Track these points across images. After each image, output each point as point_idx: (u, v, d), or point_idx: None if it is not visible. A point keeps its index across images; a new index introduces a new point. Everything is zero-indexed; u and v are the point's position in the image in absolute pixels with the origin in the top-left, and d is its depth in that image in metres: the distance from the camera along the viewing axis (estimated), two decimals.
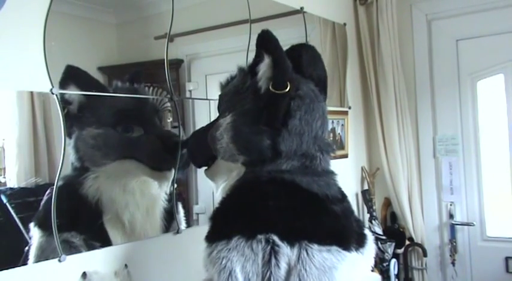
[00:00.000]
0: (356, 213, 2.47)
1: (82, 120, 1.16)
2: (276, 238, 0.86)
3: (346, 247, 0.91)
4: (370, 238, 1.01)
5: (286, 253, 0.86)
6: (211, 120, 1.19)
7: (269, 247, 0.86)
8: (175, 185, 1.40)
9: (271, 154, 0.97)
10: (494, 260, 2.41)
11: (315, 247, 0.87)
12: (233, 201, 0.97)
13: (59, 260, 1.10)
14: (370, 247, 0.99)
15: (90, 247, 1.17)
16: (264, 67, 0.96)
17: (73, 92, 1.15)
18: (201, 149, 1.13)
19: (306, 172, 0.98)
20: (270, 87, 0.95)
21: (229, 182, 1.06)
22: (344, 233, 0.93)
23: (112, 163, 1.21)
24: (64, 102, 1.12)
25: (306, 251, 0.86)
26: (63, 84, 1.12)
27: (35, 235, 1.08)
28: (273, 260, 0.85)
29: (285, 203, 0.92)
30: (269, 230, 0.87)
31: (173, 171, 1.34)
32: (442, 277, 2.51)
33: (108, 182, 1.21)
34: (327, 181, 1.00)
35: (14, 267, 1.03)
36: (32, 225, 1.08)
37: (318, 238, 0.88)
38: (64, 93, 1.12)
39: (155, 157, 1.30)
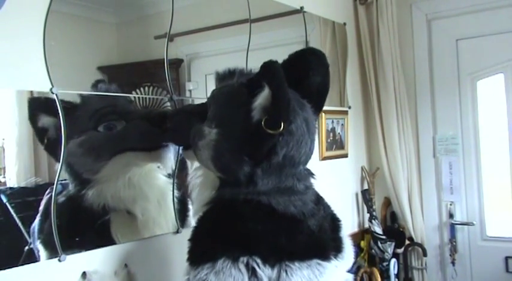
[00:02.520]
0: (356, 213, 2.48)
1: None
2: (259, 261, 0.88)
3: (325, 257, 0.93)
4: (346, 240, 1.03)
5: (268, 274, 0.89)
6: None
7: (250, 271, 0.88)
8: (175, 186, 1.40)
9: (246, 181, 0.95)
10: (494, 260, 2.41)
11: (296, 264, 0.89)
12: (212, 222, 0.97)
13: (59, 260, 1.10)
14: (348, 250, 1.01)
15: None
16: (262, 99, 0.89)
17: (73, 92, 1.15)
18: (183, 133, 1.10)
19: (282, 192, 0.97)
20: (263, 124, 0.88)
21: (204, 181, 1.06)
22: (321, 245, 0.96)
23: (108, 162, 1.20)
24: (42, 132, 1.10)
25: (286, 271, 0.89)
26: (33, 117, 1.09)
27: (41, 252, 1.09)
28: None
29: (262, 226, 0.93)
30: (252, 252, 0.89)
31: (171, 148, 1.30)
32: (441, 276, 2.51)
33: (110, 183, 1.21)
34: (303, 199, 0.99)
35: (14, 267, 1.03)
36: (37, 238, 1.08)
37: (298, 255, 0.90)
38: (38, 124, 1.10)
39: (146, 137, 1.26)
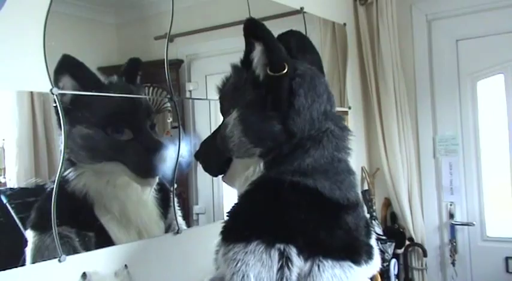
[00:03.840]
0: None
1: (73, 116, 1.14)
2: (294, 250, 0.86)
3: (357, 261, 0.91)
4: (376, 248, 1.01)
5: (300, 265, 0.86)
6: (211, 121, 1.17)
7: (285, 258, 0.85)
8: (175, 185, 1.40)
9: (285, 137, 0.94)
10: (494, 260, 2.41)
11: (329, 262, 0.87)
12: (254, 203, 0.94)
13: (59, 261, 1.10)
14: (377, 258, 1.00)
15: (84, 237, 1.17)
16: (258, 54, 0.94)
17: (72, 92, 1.15)
18: (213, 157, 1.09)
19: (328, 175, 0.95)
20: (268, 72, 0.92)
21: (248, 178, 1.02)
22: (356, 248, 0.93)
23: (98, 164, 1.22)
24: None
25: (318, 266, 0.86)
26: (57, 73, 1.11)
27: (29, 238, 1.08)
28: (287, 272, 0.85)
29: (306, 215, 0.90)
30: (289, 241, 0.86)
31: (157, 179, 1.34)
32: (442, 277, 2.51)
33: (94, 179, 1.21)
34: (350, 182, 0.98)
35: (14, 267, 1.02)
36: (27, 230, 1.08)
37: (333, 253, 0.88)
38: (58, 83, 1.11)
39: (141, 165, 1.29)
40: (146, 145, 1.28)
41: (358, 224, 0.97)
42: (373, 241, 1.02)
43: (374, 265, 0.98)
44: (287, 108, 0.94)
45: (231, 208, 0.96)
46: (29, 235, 1.08)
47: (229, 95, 1.05)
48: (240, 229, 0.90)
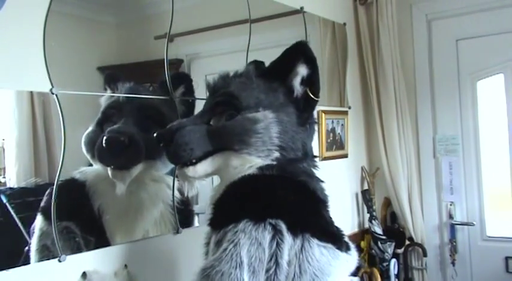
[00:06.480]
0: (356, 213, 2.48)
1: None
2: (283, 226, 0.86)
3: (339, 246, 0.94)
4: (352, 245, 1.03)
5: (290, 242, 0.86)
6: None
7: (275, 234, 0.85)
8: (176, 185, 1.40)
9: (302, 154, 1.03)
10: (494, 260, 2.41)
11: (316, 241, 0.89)
12: (240, 189, 0.94)
13: (59, 260, 1.10)
14: (354, 253, 1.01)
15: (85, 240, 1.18)
16: (304, 72, 1.02)
17: (72, 92, 1.15)
18: (199, 142, 1.03)
19: (311, 176, 1.04)
20: (309, 92, 1.03)
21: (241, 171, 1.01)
22: (337, 236, 0.97)
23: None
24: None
25: (309, 243, 0.88)
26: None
27: (37, 221, 1.09)
28: (278, 249, 0.85)
29: (291, 195, 0.93)
30: (278, 216, 0.87)
31: (132, 172, 1.25)
32: (442, 276, 2.51)
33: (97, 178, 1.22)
34: (323, 187, 1.06)
35: (14, 267, 1.03)
36: (38, 213, 1.10)
37: (318, 234, 0.90)
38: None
39: (98, 152, 1.20)
40: (107, 132, 1.20)
41: (332, 222, 1.02)
42: (347, 239, 1.05)
43: (353, 258, 1.00)
44: (307, 128, 1.06)
45: (216, 200, 0.96)
46: (38, 218, 1.09)
47: (249, 93, 1.04)
48: (227, 213, 0.90)
